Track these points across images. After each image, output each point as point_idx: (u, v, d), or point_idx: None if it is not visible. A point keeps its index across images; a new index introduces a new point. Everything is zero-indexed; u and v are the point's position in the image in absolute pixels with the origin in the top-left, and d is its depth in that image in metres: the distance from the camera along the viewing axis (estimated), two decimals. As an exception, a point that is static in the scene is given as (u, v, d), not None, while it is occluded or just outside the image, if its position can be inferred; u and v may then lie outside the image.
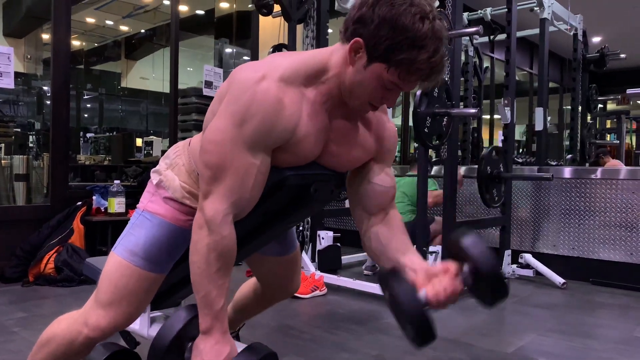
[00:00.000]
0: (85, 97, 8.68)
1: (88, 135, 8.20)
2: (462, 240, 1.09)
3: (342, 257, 3.86)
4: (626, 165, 6.49)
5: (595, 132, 5.46)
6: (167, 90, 5.02)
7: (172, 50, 4.28)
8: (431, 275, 1.13)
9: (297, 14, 3.56)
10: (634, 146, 8.98)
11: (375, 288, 3.13)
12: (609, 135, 8.45)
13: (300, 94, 1.09)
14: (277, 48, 3.65)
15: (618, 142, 6.32)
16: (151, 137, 6.72)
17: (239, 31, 6.19)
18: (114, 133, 7.83)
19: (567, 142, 7.90)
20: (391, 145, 1.28)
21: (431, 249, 3.10)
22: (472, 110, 2.67)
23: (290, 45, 3.59)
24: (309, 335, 2.44)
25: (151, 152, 6.44)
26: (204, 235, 1.07)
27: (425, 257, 2.99)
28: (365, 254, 4.05)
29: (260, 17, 4.64)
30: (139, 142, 6.90)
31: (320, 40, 3.60)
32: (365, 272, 3.71)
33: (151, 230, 1.29)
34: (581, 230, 3.71)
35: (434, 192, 3.58)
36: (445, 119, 2.82)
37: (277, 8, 3.68)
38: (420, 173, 2.96)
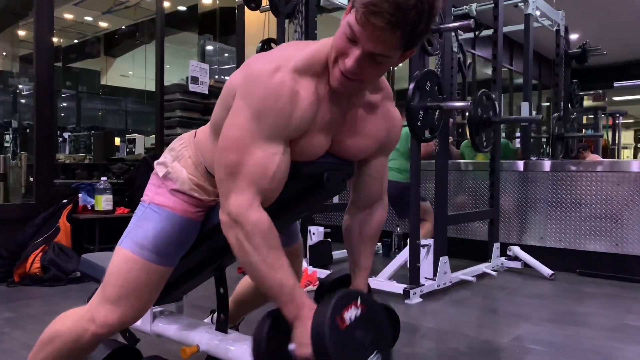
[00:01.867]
0: (63, 95, 8.50)
1: (65, 134, 8.04)
2: None
3: (333, 252, 3.86)
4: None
5: (578, 127, 5.56)
6: (148, 87, 4.91)
7: (158, 47, 4.22)
8: None
9: (285, 8, 3.54)
10: (609, 142, 9.21)
11: (369, 280, 3.13)
12: (584, 131, 8.64)
13: (313, 85, 1.07)
14: (266, 43, 3.62)
15: (602, 135, 6.43)
16: (134, 134, 6.61)
17: (222, 27, 6.13)
18: (92, 132, 7.68)
19: (544, 139, 8.06)
20: (396, 135, 1.28)
21: (423, 242, 3.11)
22: (464, 103, 2.69)
23: (279, 40, 3.57)
24: (307, 330, 2.42)
25: (134, 150, 6.33)
26: (238, 232, 1.03)
27: (418, 250, 3.01)
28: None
29: (245, 13, 4.62)
30: (117, 141, 6.77)
31: (309, 36, 3.58)
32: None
33: (160, 223, 1.26)
34: (567, 223, 3.77)
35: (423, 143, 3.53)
36: (437, 113, 2.84)
37: (265, 2, 3.66)
38: (413, 169, 2.97)
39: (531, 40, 4.21)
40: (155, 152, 4.08)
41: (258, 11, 3.81)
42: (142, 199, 1.34)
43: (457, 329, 2.46)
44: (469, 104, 2.67)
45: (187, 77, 5.92)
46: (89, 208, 3.58)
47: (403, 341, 2.31)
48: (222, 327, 1.48)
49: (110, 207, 3.54)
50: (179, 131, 5.65)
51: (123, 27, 8.42)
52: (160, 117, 4.23)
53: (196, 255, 1.41)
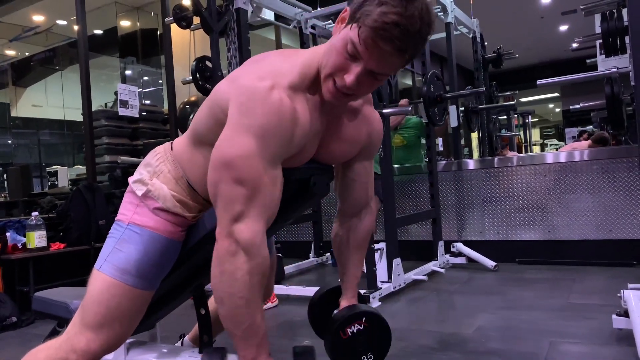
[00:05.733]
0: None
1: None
2: None
3: (285, 267, 3.83)
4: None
5: (500, 127, 5.93)
6: (67, 116, 4.57)
7: (83, 71, 4.02)
8: None
9: (217, 25, 3.51)
10: (522, 139, 9.95)
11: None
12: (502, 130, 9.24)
13: (306, 99, 1.06)
14: (201, 60, 3.56)
15: (519, 133, 6.88)
16: (55, 167, 6.20)
17: (144, 49, 5.94)
18: (7, 167, 7.11)
19: (462, 141, 8.54)
20: (378, 138, 1.31)
21: (376, 246, 3.17)
22: (407, 108, 2.79)
23: (214, 58, 3.53)
24: (276, 346, 2.37)
25: (56, 182, 5.94)
26: (242, 262, 0.97)
27: (372, 254, 3.06)
28: (305, 261, 4.05)
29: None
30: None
31: (243, 52, 3.57)
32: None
33: (143, 245, 1.20)
34: (503, 216, 4.00)
35: None
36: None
37: (195, 20, 3.60)
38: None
39: (453, 47, 4.45)
40: (88, 181, 3.86)
41: (183, 30, 3.74)
42: (117, 218, 1.26)
43: (421, 327, 2.52)
44: (411, 108, 2.77)
45: (112, 102, 5.65)
46: (20, 247, 3.32)
47: (373, 345, 2.34)
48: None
49: (44, 244, 3.30)
50: (107, 159, 5.38)
51: (29, 54, 7.87)
52: (90, 144, 4.02)
53: (176, 276, 1.35)
